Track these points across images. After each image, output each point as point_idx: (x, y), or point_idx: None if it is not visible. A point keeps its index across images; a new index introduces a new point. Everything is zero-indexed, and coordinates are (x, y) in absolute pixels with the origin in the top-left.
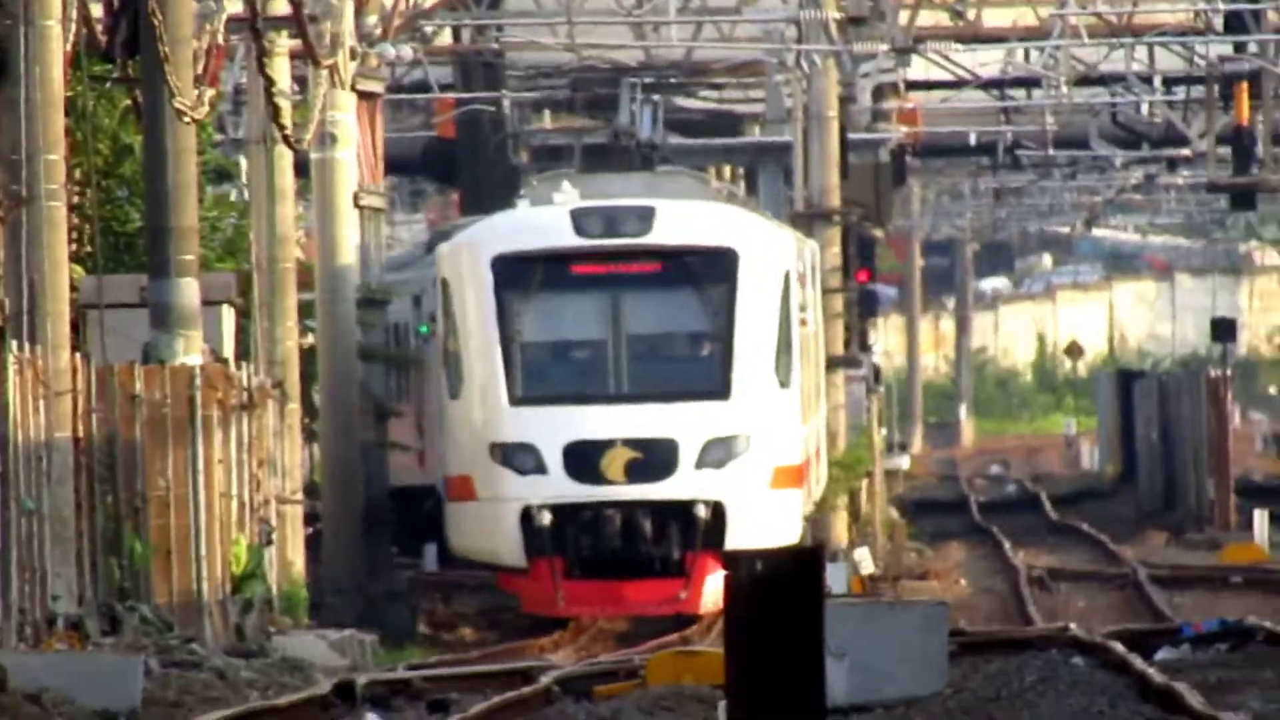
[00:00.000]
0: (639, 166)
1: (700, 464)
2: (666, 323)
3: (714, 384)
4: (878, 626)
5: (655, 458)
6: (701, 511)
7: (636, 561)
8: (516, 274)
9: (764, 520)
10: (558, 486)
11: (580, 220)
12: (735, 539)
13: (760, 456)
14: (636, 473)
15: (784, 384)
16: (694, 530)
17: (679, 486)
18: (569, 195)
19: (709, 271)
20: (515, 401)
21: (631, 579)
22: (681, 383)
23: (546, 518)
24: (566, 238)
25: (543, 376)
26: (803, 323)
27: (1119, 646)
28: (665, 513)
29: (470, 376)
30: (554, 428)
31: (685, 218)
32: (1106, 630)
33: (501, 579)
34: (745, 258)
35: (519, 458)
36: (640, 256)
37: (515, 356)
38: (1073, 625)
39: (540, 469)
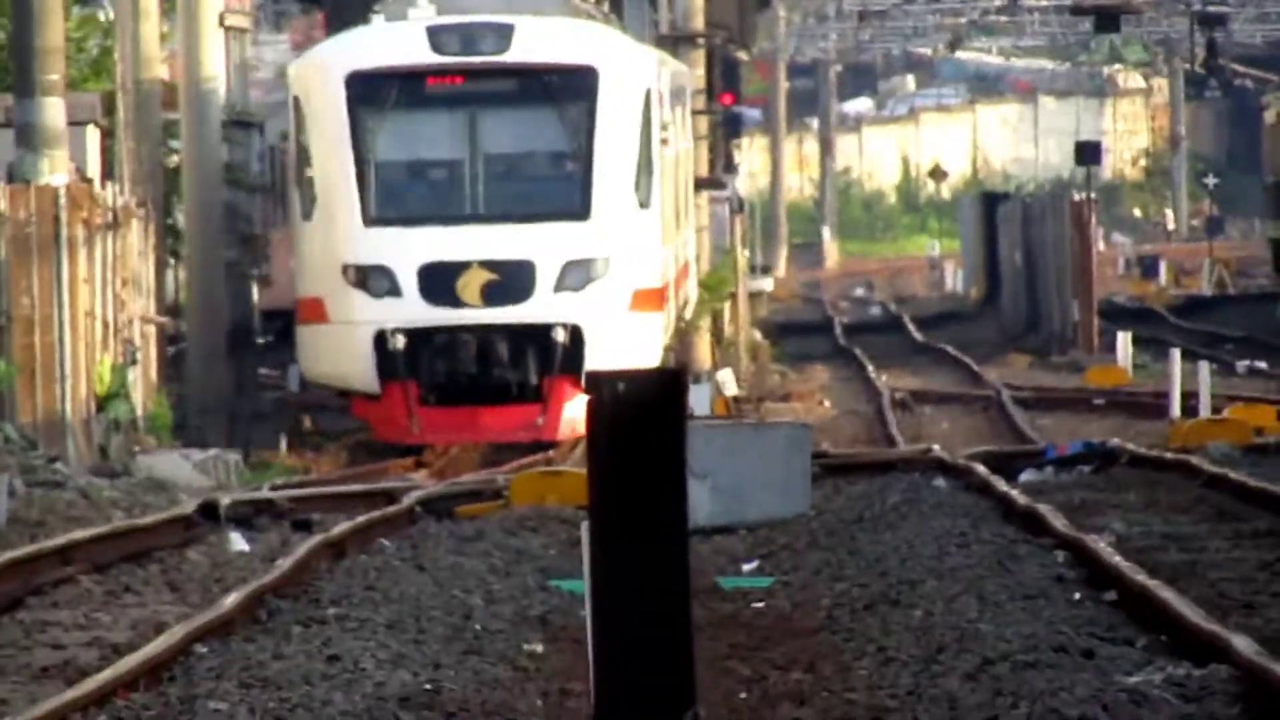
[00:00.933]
0: None
1: (558, 287)
2: (525, 142)
3: (573, 205)
4: (741, 448)
5: (512, 280)
6: (559, 335)
7: (492, 387)
8: (370, 91)
9: (623, 344)
10: (412, 309)
11: (437, 36)
12: (593, 363)
13: (619, 279)
14: (493, 295)
15: (644, 205)
16: (551, 354)
17: (536, 309)
18: (425, 11)
19: (569, 89)
20: (369, 222)
21: (488, 405)
22: (539, 203)
23: (400, 341)
24: (422, 54)
25: (397, 197)
26: (664, 142)
27: (982, 469)
28: (522, 336)
29: (323, 197)
30: (408, 249)
31: (545, 35)
32: (969, 452)
33: (355, 405)
34: (606, 75)
35: (372, 280)
36: (498, 74)
37: (369, 176)
38: (936, 447)
39: (394, 291)
